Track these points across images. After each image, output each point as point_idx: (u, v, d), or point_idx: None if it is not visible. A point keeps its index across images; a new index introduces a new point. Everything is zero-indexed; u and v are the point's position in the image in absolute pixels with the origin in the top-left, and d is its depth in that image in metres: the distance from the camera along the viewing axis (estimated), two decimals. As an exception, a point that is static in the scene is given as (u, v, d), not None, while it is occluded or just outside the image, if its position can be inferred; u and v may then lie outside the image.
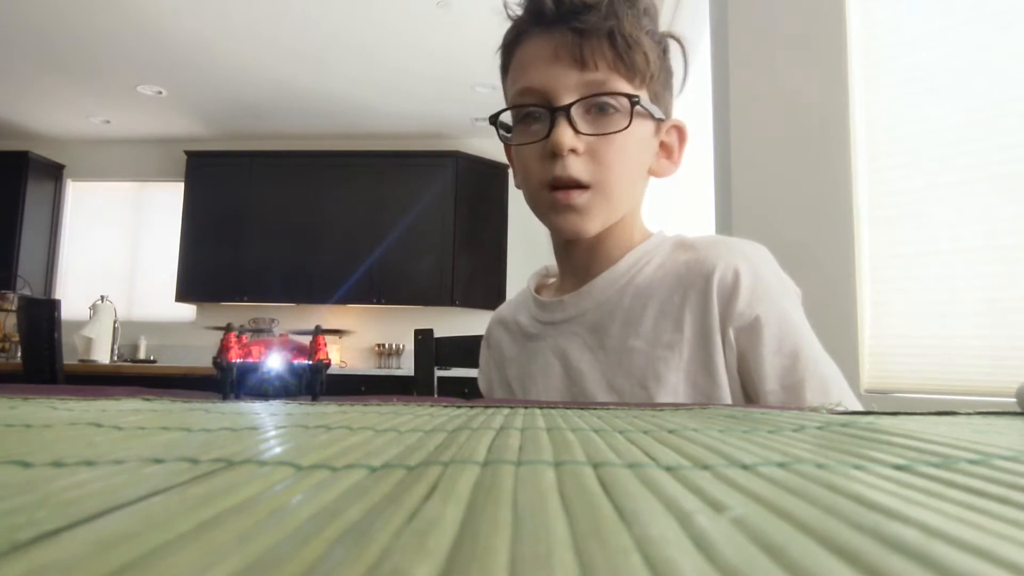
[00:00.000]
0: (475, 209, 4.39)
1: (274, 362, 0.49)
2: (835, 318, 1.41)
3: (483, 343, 0.82)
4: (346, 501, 0.12)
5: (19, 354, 3.26)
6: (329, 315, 4.40)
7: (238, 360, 0.48)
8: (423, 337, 1.15)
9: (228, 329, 0.49)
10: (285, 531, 0.10)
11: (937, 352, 1.34)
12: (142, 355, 4.44)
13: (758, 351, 0.60)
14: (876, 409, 0.39)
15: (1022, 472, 0.16)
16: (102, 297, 4.03)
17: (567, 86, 0.61)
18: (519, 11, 0.66)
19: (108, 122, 4.51)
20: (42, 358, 2.72)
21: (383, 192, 4.37)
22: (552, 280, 0.78)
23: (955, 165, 1.34)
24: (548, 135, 0.61)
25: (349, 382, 3.76)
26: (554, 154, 0.60)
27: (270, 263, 4.35)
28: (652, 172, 0.68)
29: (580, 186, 0.61)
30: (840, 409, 0.39)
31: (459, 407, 0.37)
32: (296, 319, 4.31)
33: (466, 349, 1.06)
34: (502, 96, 0.70)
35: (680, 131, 0.70)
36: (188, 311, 4.61)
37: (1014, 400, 0.40)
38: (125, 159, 4.83)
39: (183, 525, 0.10)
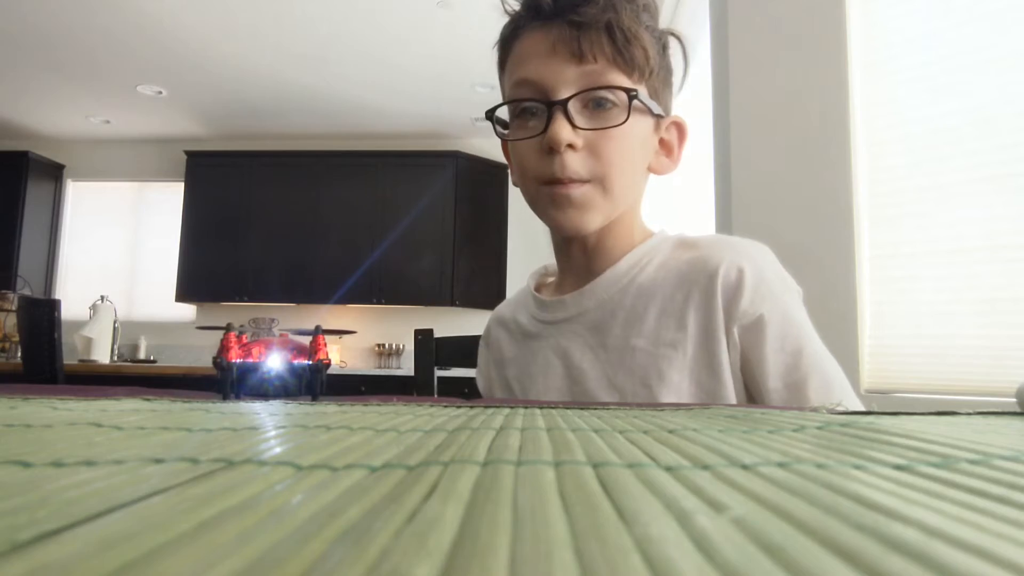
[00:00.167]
0: (475, 209, 4.39)
1: (274, 362, 0.49)
2: (835, 318, 1.41)
3: (481, 342, 0.81)
4: (346, 501, 0.12)
5: (19, 354, 3.26)
6: (329, 315, 4.40)
7: (238, 360, 0.48)
8: (423, 337, 1.15)
9: (228, 329, 0.49)
10: (285, 531, 0.10)
11: (937, 352, 1.34)
12: (142, 355, 4.44)
13: (761, 349, 0.60)
14: (876, 409, 0.39)
15: (1022, 472, 0.16)
16: (102, 297, 4.03)
17: (565, 80, 0.60)
18: (516, 6, 0.65)
19: (108, 122, 4.51)
20: (42, 358, 2.72)
21: (383, 192, 4.37)
22: (551, 279, 0.78)
23: (955, 165, 1.34)
24: (545, 130, 0.60)
25: (349, 382, 3.76)
26: (551, 150, 0.60)
27: (270, 263, 4.35)
28: (652, 169, 0.68)
29: (579, 181, 0.61)
30: (840, 409, 0.39)
31: (459, 407, 0.37)
32: (296, 319, 4.31)
33: (466, 349, 1.06)
34: (501, 95, 0.69)
35: (680, 128, 0.69)
36: (188, 311, 4.60)
37: (1014, 400, 0.40)
38: (125, 159, 4.83)
39: (183, 525, 0.10)
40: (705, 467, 0.17)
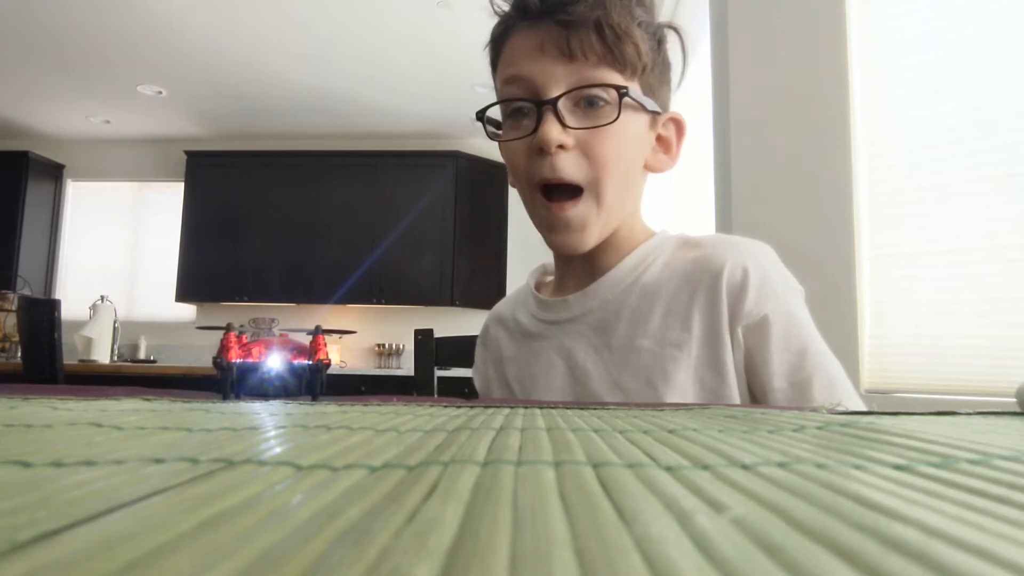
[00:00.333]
0: (475, 209, 4.39)
1: (274, 362, 0.49)
2: (835, 318, 1.41)
3: (479, 341, 0.81)
4: (346, 501, 0.12)
5: (19, 354, 3.26)
6: (329, 315, 4.40)
7: (238, 360, 0.48)
8: (423, 337, 1.15)
9: (228, 329, 0.49)
10: (285, 531, 0.10)
11: (937, 352, 1.34)
12: (142, 355, 4.44)
13: (766, 349, 0.60)
14: (876, 409, 0.39)
15: (1022, 472, 0.16)
16: (102, 297, 4.03)
17: (554, 79, 0.59)
18: (505, 6, 0.64)
19: (108, 122, 4.51)
20: (42, 358, 2.72)
21: (383, 192, 4.37)
22: (550, 278, 0.77)
23: (955, 165, 1.34)
24: (535, 130, 0.59)
25: (349, 382, 3.76)
26: (541, 150, 0.59)
27: (270, 263, 4.35)
28: (649, 167, 0.67)
29: (572, 189, 0.60)
30: (840, 409, 0.39)
31: (459, 407, 0.37)
32: (296, 319, 4.31)
33: (466, 349, 1.06)
34: (495, 96, 0.68)
35: (678, 124, 0.68)
36: (188, 311, 4.61)
37: (1014, 400, 0.40)
38: (125, 159, 4.83)
39: (183, 525, 0.10)
40: (705, 467, 0.17)
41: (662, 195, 2.64)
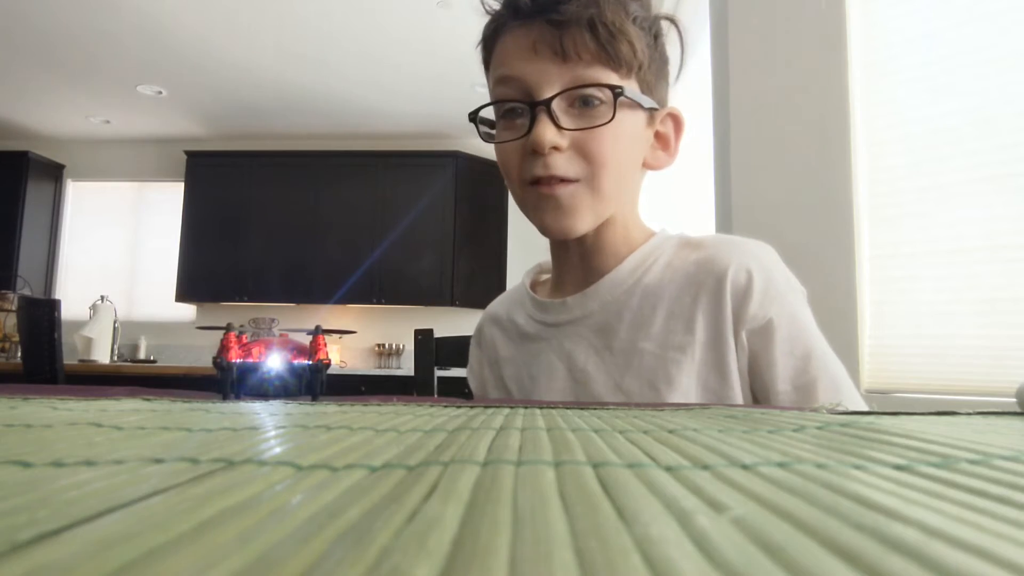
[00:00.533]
0: (475, 209, 4.39)
1: (274, 362, 0.49)
2: (835, 318, 1.41)
3: (473, 341, 0.80)
4: (346, 501, 0.12)
5: (19, 354, 3.26)
6: (329, 315, 4.41)
7: (238, 360, 0.48)
8: (423, 337, 1.15)
9: (228, 329, 0.49)
10: (285, 531, 0.10)
11: (937, 352, 1.34)
12: (142, 355, 4.44)
13: (770, 352, 0.60)
14: (876, 409, 0.39)
15: (1022, 472, 0.16)
16: (102, 297, 4.03)
17: (548, 79, 0.58)
18: (496, 5, 0.63)
19: (108, 122, 4.51)
20: (42, 358, 2.72)
21: (383, 192, 4.37)
22: (545, 276, 0.76)
23: (955, 165, 1.34)
24: (529, 131, 0.58)
25: (349, 382, 3.76)
26: (535, 151, 0.58)
27: (270, 263, 4.35)
28: (647, 165, 0.66)
29: (565, 180, 0.59)
30: (840, 409, 0.39)
31: (459, 407, 0.37)
32: (296, 319, 4.31)
33: (466, 349, 1.06)
34: (489, 95, 0.67)
35: (676, 120, 0.67)
36: (188, 311, 4.61)
37: (1014, 400, 0.40)
38: (125, 159, 4.84)
39: (183, 525, 0.10)
40: (705, 467, 0.17)
41: (662, 195, 2.64)
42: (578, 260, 0.67)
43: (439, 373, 1.15)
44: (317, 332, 0.51)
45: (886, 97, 1.47)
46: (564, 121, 0.58)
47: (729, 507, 0.12)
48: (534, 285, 0.75)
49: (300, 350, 0.50)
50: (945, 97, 1.36)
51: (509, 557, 0.09)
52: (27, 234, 4.52)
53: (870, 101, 1.50)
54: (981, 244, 1.29)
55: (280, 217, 4.41)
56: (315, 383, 0.48)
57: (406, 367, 4.22)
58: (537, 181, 0.59)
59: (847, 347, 1.39)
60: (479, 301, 4.17)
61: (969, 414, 0.35)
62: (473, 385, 0.79)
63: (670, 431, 0.25)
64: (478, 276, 4.33)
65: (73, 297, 4.40)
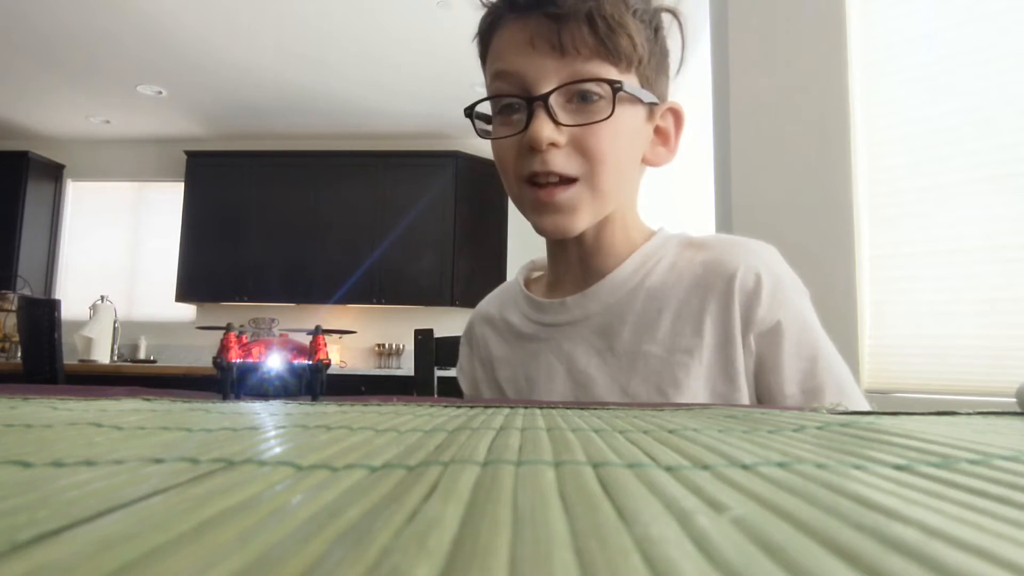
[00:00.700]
0: (475, 209, 4.39)
1: (274, 362, 0.49)
2: (835, 318, 1.41)
3: (463, 340, 0.78)
4: (346, 501, 0.12)
5: (19, 354, 3.26)
6: (329, 315, 4.41)
7: (238, 360, 0.48)
8: (423, 337, 1.15)
9: (228, 329, 0.49)
10: (285, 531, 0.10)
11: (937, 352, 1.34)
12: (142, 355, 4.44)
13: (778, 356, 0.59)
14: (876, 409, 0.39)
15: (1022, 472, 0.16)
16: (102, 297, 4.03)
17: (546, 74, 0.57)
18: None
19: (108, 122, 4.51)
20: (42, 358, 2.72)
21: (383, 192, 4.37)
22: (538, 274, 0.75)
23: (955, 165, 1.34)
24: (526, 127, 0.57)
25: (349, 382, 3.76)
26: (532, 148, 0.56)
27: (270, 263, 4.35)
28: (647, 161, 0.64)
29: (564, 179, 0.58)
30: (840, 409, 0.39)
31: (459, 407, 0.37)
32: (296, 319, 4.31)
33: (466, 349, 1.06)
34: (486, 90, 0.65)
35: (676, 115, 0.65)
36: (188, 311, 4.61)
37: (1014, 400, 0.40)
38: (125, 159, 4.84)
39: (183, 525, 0.10)
40: (705, 467, 0.17)
41: (662, 194, 2.64)
42: (577, 259, 0.66)
43: (439, 373, 1.15)
44: (317, 332, 0.51)
45: (886, 97, 1.47)
46: (562, 117, 0.57)
47: (729, 507, 0.12)
48: (527, 283, 0.73)
49: (300, 350, 0.50)
50: (945, 97, 1.36)
51: (509, 557, 0.09)
52: (27, 234, 4.52)
53: (870, 101, 1.50)
54: (981, 244, 1.29)
55: (280, 217, 4.41)
56: (315, 383, 0.48)
57: (406, 367, 4.22)
58: (534, 177, 0.58)
59: (847, 347, 1.39)
60: (479, 301, 4.16)
61: (969, 414, 0.35)
62: (463, 384, 0.77)
63: (670, 431, 0.25)
64: (478, 276, 4.33)
65: (73, 297, 4.40)
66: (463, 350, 0.78)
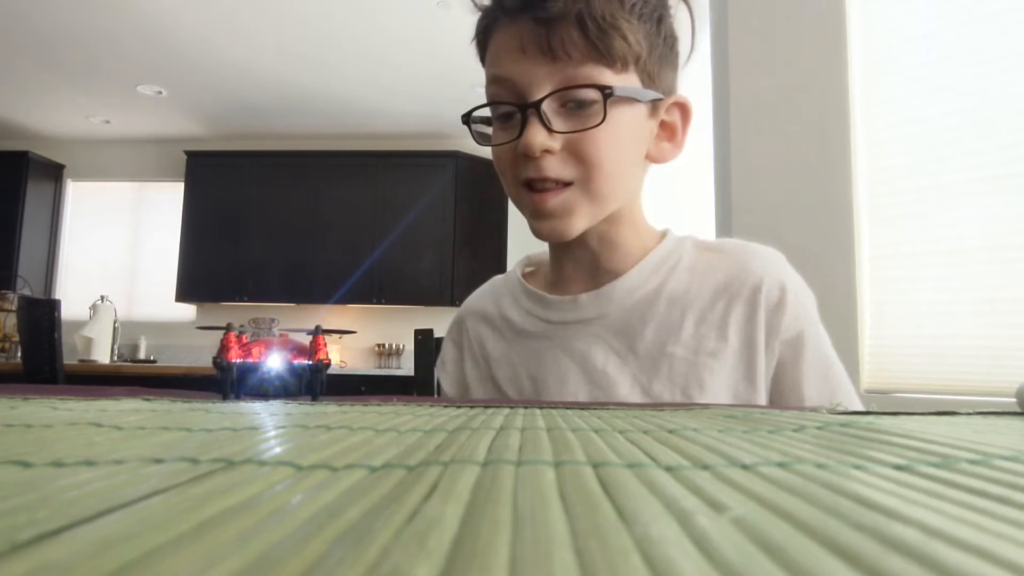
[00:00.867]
0: (475, 209, 4.39)
1: (274, 362, 0.49)
2: (835, 318, 1.41)
3: (448, 339, 0.76)
4: (346, 501, 0.12)
5: (19, 354, 3.26)
6: (329, 315, 4.41)
7: (238, 360, 0.48)
8: (423, 337, 1.15)
9: (228, 329, 0.49)
10: (285, 531, 0.10)
11: (937, 352, 1.34)
12: (142, 355, 4.44)
13: (799, 365, 0.61)
14: (876, 409, 0.39)
15: (1022, 472, 0.16)
16: (102, 297, 4.03)
17: (538, 81, 0.56)
18: (486, 0, 0.61)
19: (108, 122, 4.51)
20: (42, 358, 2.72)
21: (383, 192, 4.37)
22: (531, 269, 0.73)
23: (955, 165, 1.34)
24: (520, 134, 0.56)
25: (349, 382, 3.76)
26: (526, 155, 0.56)
27: (270, 263, 4.36)
28: (651, 158, 0.63)
29: (559, 183, 0.57)
30: (840, 409, 0.39)
31: (459, 407, 0.37)
32: (296, 319, 4.31)
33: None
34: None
35: (683, 109, 0.64)
36: (188, 311, 4.61)
37: (1014, 400, 0.40)
38: (125, 159, 4.84)
39: (183, 525, 0.10)
40: (705, 467, 0.17)
41: (662, 194, 2.64)
42: (587, 258, 0.65)
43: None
44: (317, 332, 0.51)
45: (886, 97, 1.47)
46: (556, 123, 0.56)
47: (729, 507, 0.12)
48: (525, 279, 0.72)
49: (300, 350, 0.50)
50: (945, 97, 1.36)
51: (509, 557, 0.09)
52: (27, 234, 4.52)
53: (870, 101, 1.50)
54: (981, 244, 1.29)
55: (280, 217, 4.41)
56: (315, 383, 0.48)
57: (406, 367, 4.22)
58: (530, 182, 0.58)
59: (847, 347, 1.39)
60: (478, 301, 4.16)
61: (969, 414, 0.35)
62: (447, 384, 0.74)
63: (670, 431, 0.25)
64: (478, 276, 4.28)
65: (73, 297, 4.40)
66: (448, 349, 0.76)
